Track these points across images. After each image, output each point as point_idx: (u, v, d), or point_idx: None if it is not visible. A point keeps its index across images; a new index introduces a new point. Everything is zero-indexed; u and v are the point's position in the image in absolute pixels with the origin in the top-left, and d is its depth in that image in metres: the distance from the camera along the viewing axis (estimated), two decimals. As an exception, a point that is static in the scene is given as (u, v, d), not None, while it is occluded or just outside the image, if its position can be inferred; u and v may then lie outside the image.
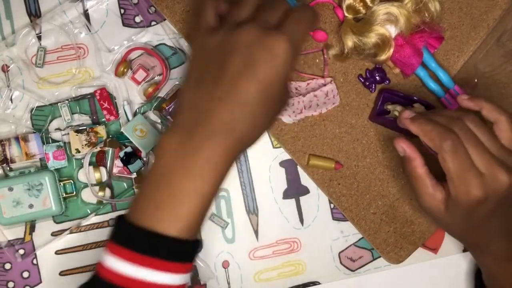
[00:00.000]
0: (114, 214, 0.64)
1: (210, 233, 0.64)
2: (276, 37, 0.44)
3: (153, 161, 0.47)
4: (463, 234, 0.55)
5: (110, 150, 0.63)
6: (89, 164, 0.62)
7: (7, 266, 0.62)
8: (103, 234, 0.64)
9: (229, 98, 0.44)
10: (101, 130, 0.62)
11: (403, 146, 0.53)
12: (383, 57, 0.59)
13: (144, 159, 0.62)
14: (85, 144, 0.61)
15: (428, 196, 0.52)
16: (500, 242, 0.54)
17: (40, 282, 0.63)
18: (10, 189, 0.59)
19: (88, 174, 0.62)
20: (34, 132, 0.62)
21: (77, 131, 0.61)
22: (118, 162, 0.62)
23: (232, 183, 0.64)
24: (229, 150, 0.45)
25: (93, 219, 0.64)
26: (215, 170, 0.45)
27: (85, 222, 0.63)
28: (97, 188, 0.62)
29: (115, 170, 0.62)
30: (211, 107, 0.45)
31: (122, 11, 0.63)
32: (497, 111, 0.53)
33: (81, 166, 0.62)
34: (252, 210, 0.64)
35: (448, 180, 0.51)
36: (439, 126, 0.51)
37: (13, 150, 0.61)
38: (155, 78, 0.63)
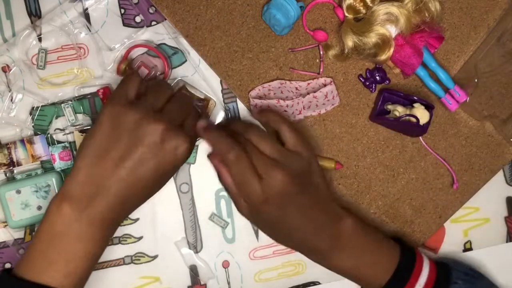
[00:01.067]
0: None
1: (210, 233, 0.64)
2: (182, 138, 0.52)
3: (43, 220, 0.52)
4: (279, 238, 0.58)
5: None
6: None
7: (7, 266, 0.62)
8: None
9: (129, 179, 0.51)
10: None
11: (213, 161, 0.56)
12: (383, 57, 0.59)
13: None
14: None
15: (237, 203, 0.56)
16: (311, 236, 0.55)
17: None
18: (18, 192, 0.60)
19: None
20: (39, 134, 0.62)
21: (82, 131, 0.61)
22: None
23: (232, 183, 0.64)
24: (119, 220, 0.55)
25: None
26: (105, 235, 0.53)
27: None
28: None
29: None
30: (111, 185, 0.51)
31: (122, 11, 0.63)
32: (279, 120, 0.58)
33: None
34: (252, 210, 0.64)
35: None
36: (226, 138, 0.54)
37: (19, 153, 0.61)
38: (157, 76, 0.63)
